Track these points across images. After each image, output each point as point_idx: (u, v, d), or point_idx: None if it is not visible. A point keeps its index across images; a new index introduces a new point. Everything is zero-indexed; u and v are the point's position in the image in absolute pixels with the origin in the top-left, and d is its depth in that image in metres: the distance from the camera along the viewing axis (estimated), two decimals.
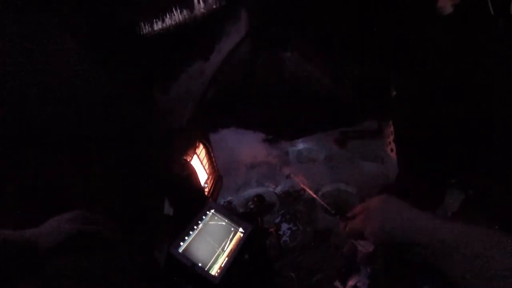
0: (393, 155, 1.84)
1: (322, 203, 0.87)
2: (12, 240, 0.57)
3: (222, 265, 0.95)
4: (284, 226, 1.73)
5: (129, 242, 0.95)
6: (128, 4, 1.04)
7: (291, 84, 2.09)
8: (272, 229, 1.39)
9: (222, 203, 1.90)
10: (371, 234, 0.58)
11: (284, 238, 1.66)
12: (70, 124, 0.86)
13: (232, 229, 1.05)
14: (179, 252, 0.96)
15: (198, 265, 0.93)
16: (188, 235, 1.01)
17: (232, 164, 2.08)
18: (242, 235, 1.03)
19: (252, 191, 1.96)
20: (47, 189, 0.82)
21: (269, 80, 2.06)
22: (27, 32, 0.75)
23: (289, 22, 1.88)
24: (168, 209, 1.25)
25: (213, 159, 1.74)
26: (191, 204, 1.17)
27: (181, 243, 0.98)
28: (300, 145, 2.31)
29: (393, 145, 1.87)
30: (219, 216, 1.08)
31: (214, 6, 1.44)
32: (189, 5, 1.31)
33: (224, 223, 1.06)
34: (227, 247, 1.00)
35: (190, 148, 1.47)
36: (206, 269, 0.93)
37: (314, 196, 0.92)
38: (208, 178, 1.65)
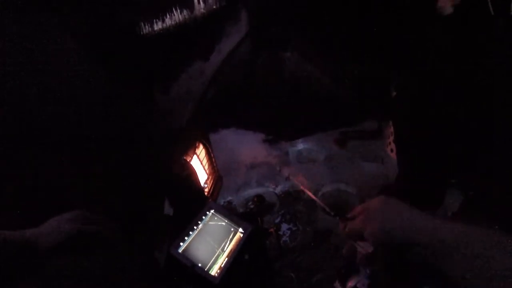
0: (393, 155, 1.84)
1: (322, 204, 0.87)
2: (12, 240, 0.57)
3: (222, 265, 0.95)
4: (284, 227, 1.73)
5: (129, 242, 0.95)
6: (128, 4, 1.04)
7: (291, 84, 2.09)
8: (272, 229, 1.39)
9: (222, 203, 1.90)
10: (371, 234, 0.58)
11: (284, 238, 1.66)
12: (70, 124, 0.86)
13: (232, 229, 1.05)
14: (179, 252, 0.96)
15: (198, 265, 0.93)
16: (188, 235, 1.01)
17: (232, 164, 2.08)
18: (242, 235, 1.03)
19: (252, 191, 1.96)
20: (47, 189, 0.82)
21: (269, 80, 2.06)
22: (27, 32, 0.75)
23: (289, 22, 1.88)
24: (168, 209, 1.25)
25: (213, 159, 1.73)
26: (191, 204, 1.17)
27: (181, 243, 0.98)
28: (300, 145, 2.31)
29: (393, 146, 1.87)
30: (219, 216, 1.08)
31: (214, 6, 1.44)
32: (189, 5, 1.31)
33: (224, 223, 1.06)
34: (227, 247, 1.00)
35: (190, 148, 1.47)
36: (206, 269, 0.93)
37: (314, 197, 0.92)
38: (208, 178, 1.65)
